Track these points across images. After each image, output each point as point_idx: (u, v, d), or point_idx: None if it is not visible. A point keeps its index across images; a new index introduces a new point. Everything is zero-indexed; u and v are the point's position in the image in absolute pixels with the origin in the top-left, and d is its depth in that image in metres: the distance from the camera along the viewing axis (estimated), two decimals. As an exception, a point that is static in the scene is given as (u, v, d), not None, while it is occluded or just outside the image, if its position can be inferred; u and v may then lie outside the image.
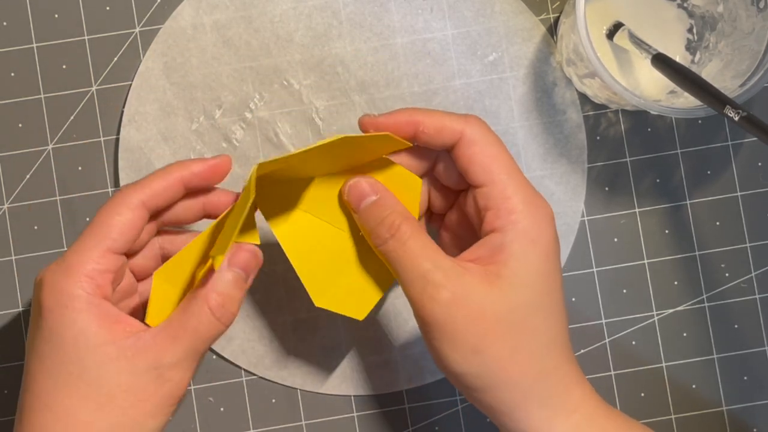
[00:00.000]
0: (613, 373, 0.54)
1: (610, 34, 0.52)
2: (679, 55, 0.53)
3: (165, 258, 0.48)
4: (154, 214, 0.45)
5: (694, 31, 0.53)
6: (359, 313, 0.48)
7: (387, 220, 0.44)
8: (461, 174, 0.45)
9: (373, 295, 0.48)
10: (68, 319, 0.42)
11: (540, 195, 0.45)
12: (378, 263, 0.48)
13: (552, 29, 0.54)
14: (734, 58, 0.50)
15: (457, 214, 0.48)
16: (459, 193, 0.48)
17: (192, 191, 0.46)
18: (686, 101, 0.50)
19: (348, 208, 0.47)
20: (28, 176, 0.54)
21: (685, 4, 0.53)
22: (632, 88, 0.52)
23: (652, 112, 0.49)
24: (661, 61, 0.49)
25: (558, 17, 0.54)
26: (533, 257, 0.43)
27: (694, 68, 0.52)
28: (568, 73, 0.53)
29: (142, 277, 0.48)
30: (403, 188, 0.47)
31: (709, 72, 0.51)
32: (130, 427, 0.42)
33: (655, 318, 0.55)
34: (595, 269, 0.55)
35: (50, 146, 0.54)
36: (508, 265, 0.43)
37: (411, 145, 0.46)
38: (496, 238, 0.43)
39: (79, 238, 0.43)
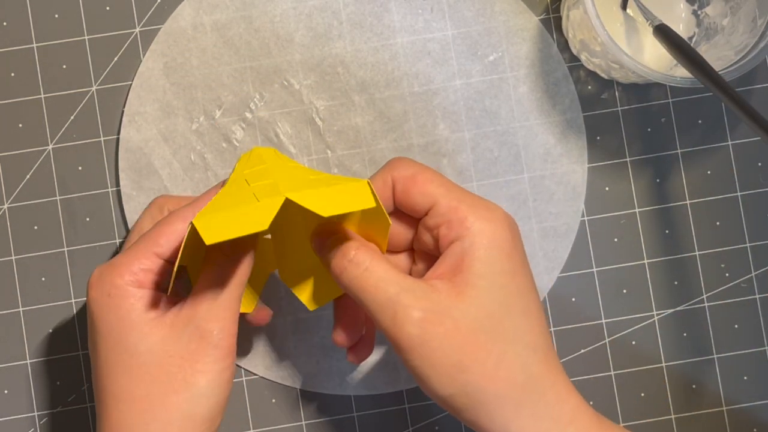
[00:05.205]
0: (613, 373, 0.54)
1: (624, 4, 0.52)
2: (669, 58, 0.53)
3: None
4: None
5: (694, 40, 0.53)
6: (312, 303, 0.48)
7: (344, 248, 0.44)
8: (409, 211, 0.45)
9: (332, 291, 0.48)
10: (113, 305, 0.43)
11: (488, 200, 0.44)
12: None
13: (552, 29, 0.54)
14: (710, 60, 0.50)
15: (419, 249, 0.47)
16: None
17: None
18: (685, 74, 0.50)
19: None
20: (28, 176, 0.54)
21: (699, 12, 0.53)
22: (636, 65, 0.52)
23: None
24: (662, 33, 0.48)
25: (558, 17, 0.54)
26: (495, 257, 0.43)
27: (675, 70, 0.52)
28: (573, 45, 0.53)
29: None
30: (372, 226, 0.46)
31: (683, 72, 0.51)
32: (181, 387, 0.43)
33: (655, 318, 0.55)
34: (595, 269, 0.55)
35: (50, 146, 0.54)
36: (472, 271, 0.42)
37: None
38: (455, 248, 0.43)
39: (126, 245, 0.46)
